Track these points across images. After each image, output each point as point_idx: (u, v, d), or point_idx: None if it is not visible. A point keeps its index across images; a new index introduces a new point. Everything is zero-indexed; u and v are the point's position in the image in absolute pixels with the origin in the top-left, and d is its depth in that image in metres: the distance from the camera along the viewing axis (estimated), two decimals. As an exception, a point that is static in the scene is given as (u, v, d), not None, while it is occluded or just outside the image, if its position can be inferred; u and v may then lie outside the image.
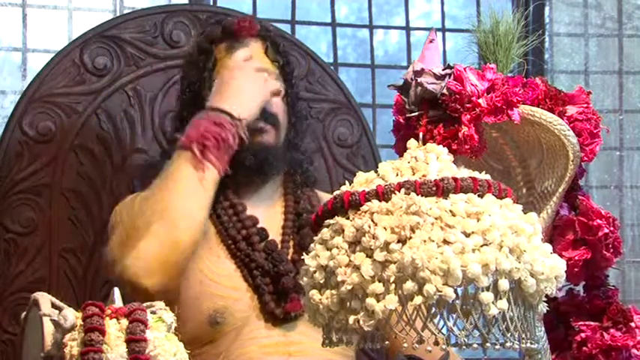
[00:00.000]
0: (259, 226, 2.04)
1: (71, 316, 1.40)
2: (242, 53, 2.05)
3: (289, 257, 2.04)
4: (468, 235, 1.34)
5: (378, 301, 1.34)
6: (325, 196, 2.15)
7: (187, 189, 1.90)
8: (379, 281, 1.34)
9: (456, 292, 1.33)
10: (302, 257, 1.88)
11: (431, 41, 1.56)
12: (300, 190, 2.12)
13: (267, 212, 2.09)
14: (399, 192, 1.37)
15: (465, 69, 1.53)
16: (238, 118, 1.96)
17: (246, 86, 2.00)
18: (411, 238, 1.33)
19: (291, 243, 2.07)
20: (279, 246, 2.04)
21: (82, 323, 1.39)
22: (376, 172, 1.44)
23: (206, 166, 1.92)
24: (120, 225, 1.98)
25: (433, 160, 1.43)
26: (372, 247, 1.34)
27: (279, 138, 2.06)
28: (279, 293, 2.00)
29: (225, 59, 2.06)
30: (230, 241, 2.01)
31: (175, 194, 1.90)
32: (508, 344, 1.37)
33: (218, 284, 1.98)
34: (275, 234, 2.07)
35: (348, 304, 1.36)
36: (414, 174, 1.42)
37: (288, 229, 2.08)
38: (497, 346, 1.37)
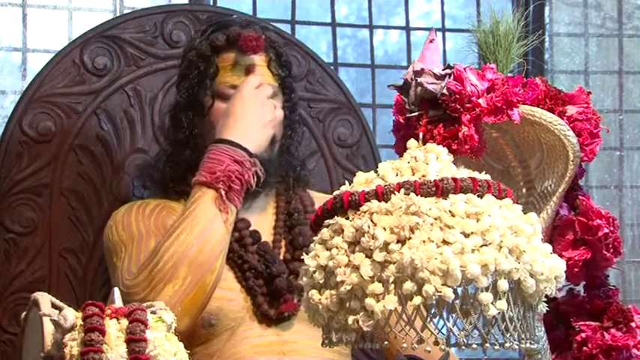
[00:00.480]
0: (251, 228, 2.04)
1: (71, 316, 1.40)
2: (254, 79, 2.03)
3: (281, 257, 2.04)
4: (467, 236, 1.34)
5: (377, 301, 1.34)
6: (318, 196, 2.15)
7: (213, 232, 1.90)
8: (378, 281, 1.34)
9: (455, 292, 1.33)
10: (294, 257, 1.89)
11: (431, 41, 1.56)
12: (292, 191, 2.12)
13: (260, 214, 2.09)
14: (399, 192, 1.37)
15: (465, 69, 1.53)
16: (255, 155, 1.96)
17: (260, 120, 1.99)
18: (410, 238, 1.33)
19: (283, 243, 2.07)
20: (271, 246, 2.05)
21: (82, 323, 1.39)
22: (376, 172, 1.45)
23: (230, 209, 1.92)
24: (122, 247, 1.98)
25: (433, 160, 1.43)
26: (372, 248, 1.34)
27: (273, 149, 2.06)
28: (272, 294, 2.00)
29: (233, 76, 2.05)
30: None
31: (201, 238, 1.89)
32: (508, 344, 1.37)
33: (212, 286, 1.98)
34: (267, 234, 2.07)
35: (348, 304, 1.36)
36: (413, 174, 1.42)
37: (280, 228, 2.08)
38: (497, 347, 1.37)
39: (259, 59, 2.07)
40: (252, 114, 1.98)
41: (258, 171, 1.96)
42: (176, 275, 1.86)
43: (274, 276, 2.00)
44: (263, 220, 2.08)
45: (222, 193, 1.92)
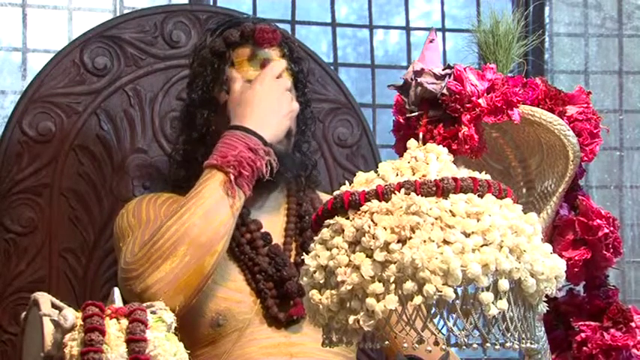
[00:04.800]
0: (263, 230, 2.04)
1: (71, 316, 1.40)
2: (278, 65, 2.02)
3: (292, 260, 2.04)
4: (467, 235, 1.34)
5: (378, 301, 1.34)
6: (327, 198, 2.13)
7: (217, 214, 1.89)
8: (379, 281, 1.34)
9: (455, 292, 1.33)
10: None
11: (431, 41, 1.56)
12: (303, 193, 2.11)
13: (271, 215, 2.08)
14: (399, 192, 1.37)
15: (465, 69, 1.53)
16: (270, 144, 1.95)
17: (277, 110, 1.98)
18: (411, 238, 1.34)
19: (294, 245, 2.07)
20: (282, 249, 2.04)
21: (82, 323, 1.39)
22: (376, 172, 1.45)
23: (237, 193, 1.91)
24: (130, 232, 1.97)
25: (433, 160, 1.43)
26: (372, 247, 1.34)
27: (289, 145, 2.06)
28: (282, 297, 1.99)
29: (248, 71, 2.04)
30: (234, 244, 2.01)
31: (205, 218, 1.88)
32: (508, 344, 1.37)
33: (221, 286, 1.97)
34: (278, 236, 2.06)
35: (348, 304, 1.36)
36: (414, 174, 1.42)
37: (291, 231, 2.07)
38: (497, 346, 1.37)
39: (274, 54, 2.06)
40: (269, 103, 1.97)
41: (272, 161, 1.95)
42: (175, 253, 1.85)
43: (284, 279, 1.99)
44: (274, 221, 2.07)
45: (232, 177, 1.90)
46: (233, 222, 1.92)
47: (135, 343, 1.37)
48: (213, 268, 1.89)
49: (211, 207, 1.89)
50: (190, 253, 1.85)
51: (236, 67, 2.05)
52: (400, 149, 1.53)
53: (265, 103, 1.97)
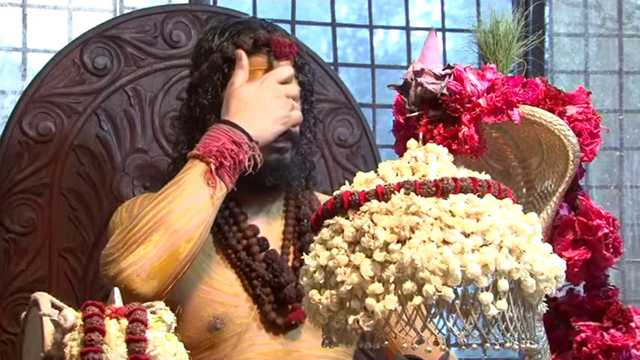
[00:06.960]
0: (260, 235, 2.03)
1: (71, 316, 1.40)
2: (278, 73, 2.01)
3: (289, 263, 2.03)
4: (467, 236, 1.34)
5: (377, 301, 1.34)
6: (325, 199, 2.13)
7: (196, 202, 1.88)
8: (379, 281, 1.34)
9: (455, 292, 1.33)
10: (302, 259, 1.87)
11: (431, 41, 1.56)
12: (302, 195, 2.11)
13: (268, 218, 2.07)
14: (399, 192, 1.37)
15: (465, 69, 1.53)
16: (255, 141, 1.94)
17: (270, 112, 1.97)
18: (410, 238, 1.33)
19: (292, 249, 2.06)
20: (279, 252, 2.04)
21: (82, 323, 1.38)
22: (376, 172, 1.45)
23: (218, 184, 1.91)
24: (119, 225, 1.97)
25: (433, 160, 1.43)
26: (372, 248, 1.34)
27: (294, 152, 2.05)
28: (279, 302, 1.99)
29: (258, 71, 2.03)
30: (230, 250, 2.01)
31: (183, 206, 1.87)
32: (508, 344, 1.37)
33: (218, 291, 1.97)
34: (275, 240, 2.05)
35: (348, 304, 1.36)
36: (413, 174, 1.42)
37: (289, 234, 2.06)
38: (497, 347, 1.37)
39: (284, 63, 2.05)
40: (263, 103, 1.96)
41: (256, 156, 1.94)
42: (150, 238, 1.85)
43: (282, 285, 1.99)
44: (272, 225, 2.06)
45: (213, 167, 1.90)
46: (213, 212, 1.91)
47: (135, 343, 1.37)
48: (190, 256, 1.87)
49: (190, 195, 1.88)
50: (165, 238, 1.85)
51: (250, 75, 2.03)
52: (400, 149, 1.53)
53: (258, 102, 1.96)
